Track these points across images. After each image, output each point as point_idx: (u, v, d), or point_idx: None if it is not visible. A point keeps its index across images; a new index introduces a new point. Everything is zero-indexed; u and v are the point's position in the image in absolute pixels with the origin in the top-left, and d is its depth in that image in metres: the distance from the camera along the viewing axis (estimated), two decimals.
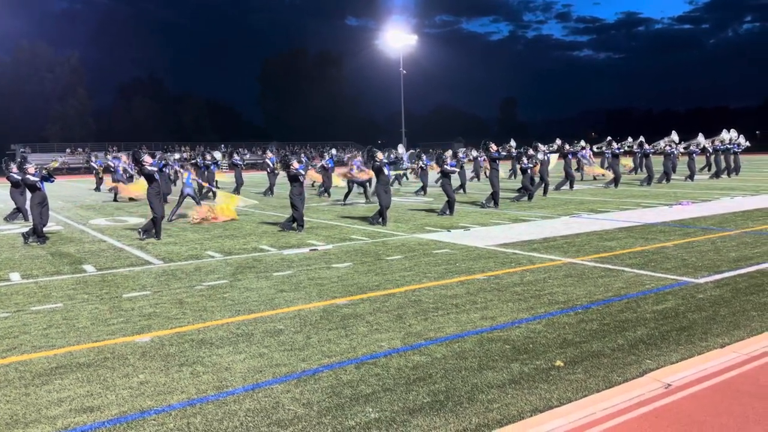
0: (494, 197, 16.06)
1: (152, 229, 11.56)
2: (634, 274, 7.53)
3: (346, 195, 19.28)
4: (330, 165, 21.84)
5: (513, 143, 19.15)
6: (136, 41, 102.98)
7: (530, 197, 17.76)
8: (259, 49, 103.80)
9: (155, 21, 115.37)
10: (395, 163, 14.44)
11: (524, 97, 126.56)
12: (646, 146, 23.35)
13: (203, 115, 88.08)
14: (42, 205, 11.48)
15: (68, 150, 60.66)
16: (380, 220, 13.11)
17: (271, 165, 22.48)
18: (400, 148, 19.86)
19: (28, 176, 11.54)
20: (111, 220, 15.20)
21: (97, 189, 27.28)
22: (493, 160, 16.24)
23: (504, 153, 16.95)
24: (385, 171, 13.12)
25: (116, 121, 79.85)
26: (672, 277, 7.31)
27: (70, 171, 52.62)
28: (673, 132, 24.71)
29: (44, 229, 11.57)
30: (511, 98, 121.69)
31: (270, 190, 22.48)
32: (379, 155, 13.16)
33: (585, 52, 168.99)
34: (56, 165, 13.50)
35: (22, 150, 13.15)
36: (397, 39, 64.62)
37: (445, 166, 14.72)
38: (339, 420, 3.72)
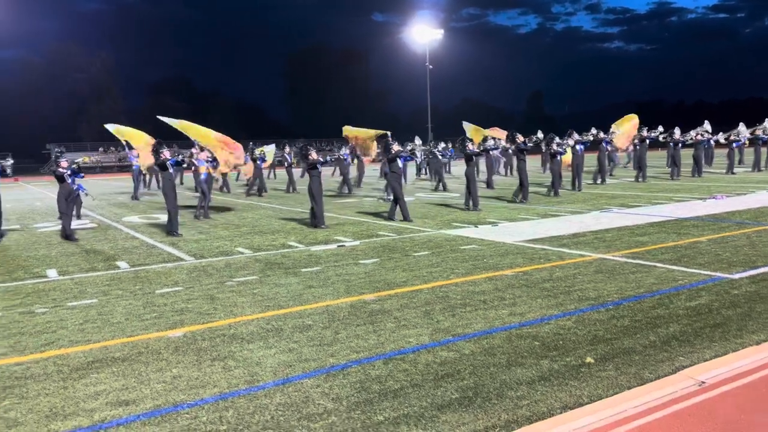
0: (523, 191, 15.87)
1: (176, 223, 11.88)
2: (666, 269, 7.41)
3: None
4: (345, 158, 22.11)
5: (540, 135, 18.87)
6: (164, 41, 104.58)
7: (556, 192, 17.38)
8: (284, 47, 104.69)
9: (182, 21, 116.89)
10: (411, 156, 14.40)
11: (552, 91, 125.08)
12: (677, 136, 22.55)
13: (230, 114, 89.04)
14: (68, 199, 11.93)
15: (101, 149, 61.90)
16: (395, 214, 13.05)
17: (289, 160, 22.62)
18: (417, 141, 19.82)
19: (60, 169, 11.97)
20: (143, 218, 15.49)
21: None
22: (520, 151, 15.97)
23: (531, 144, 16.63)
24: (399, 162, 13.11)
25: (147, 121, 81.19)
26: (706, 272, 7.17)
27: (104, 170, 53.76)
28: (706, 122, 23.99)
29: (78, 225, 11.82)
30: (538, 91, 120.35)
31: (292, 186, 22.69)
32: (395, 146, 13.17)
33: (615, 44, 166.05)
34: (87, 161, 13.86)
35: (57, 150, 13.58)
36: (423, 34, 64.38)
37: (468, 150, 14.63)
38: (368, 415, 3.75)
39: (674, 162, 22.30)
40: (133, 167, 22.31)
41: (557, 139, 17.59)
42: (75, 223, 14.51)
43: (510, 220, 12.60)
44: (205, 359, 4.81)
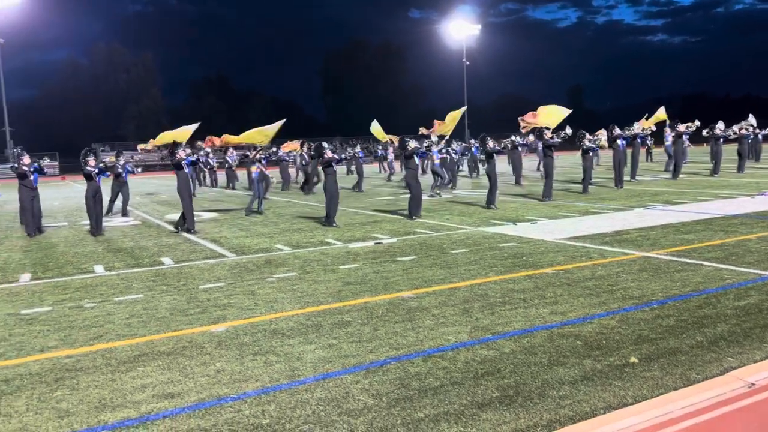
0: (545, 188, 15.50)
1: (183, 222, 12.19)
2: (713, 268, 7.20)
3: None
4: (360, 155, 22.41)
5: (569, 130, 18.47)
6: (204, 41, 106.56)
7: (585, 189, 16.97)
8: (320, 44, 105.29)
9: (221, 20, 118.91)
10: (426, 153, 14.31)
11: (592, 85, 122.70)
12: (719, 131, 21.64)
13: (268, 112, 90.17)
14: (94, 197, 12.41)
15: (139, 148, 63.44)
16: (413, 213, 12.98)
17: (306, 159, 22.83)
18: (434, 138, 19.68)
19: (87, 167, 12.44)
20: None
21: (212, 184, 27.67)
22: (548, 147, 15.60)
23: (558, 140, 16.21)
24: (416, 160, 13.07)
25: (188, 119, 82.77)
26: (755, 271, 6.94)
27: (147, 168, 55.11)
28: (750, 116, 23.08)
29: (122, 223, 12.20)
30: (578, 86, 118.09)
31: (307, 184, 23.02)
32: (412, 144, 13.10)
33: (659, 37, 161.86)
34: (113, 160, 14.36)
35: (86, 149, 14.04)
36: (460, 29, 63.96)
37: (489, 147, 14.45)
38: (408, 411, 3.76)
39: (715, 157, 21.56)
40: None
41: (588, 135, 17.25)
42: (120, 221, 14.94)
43: (550, 217, 12.42)
44: (247, 354, 4.89)
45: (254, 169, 15.50)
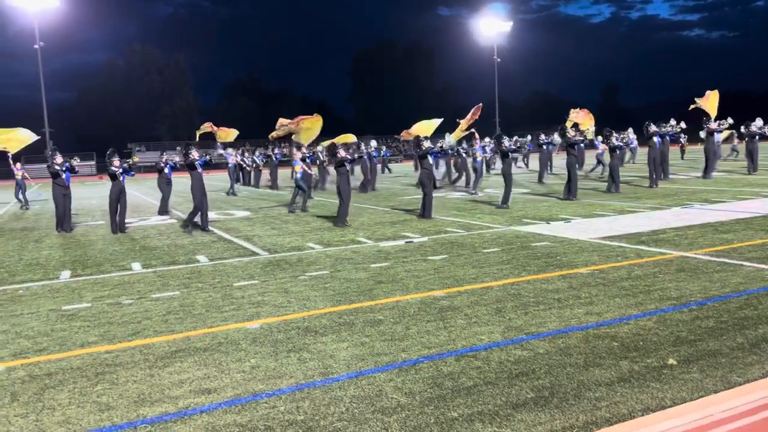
0: (571, 187, 15.23)
1: (192, 221, 12.48)
2: (754, 268, 7.00)
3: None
4: (375, 155, 22.54)
5: (591, 128, 18.13)
6: (235, 42, 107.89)
7: (617, 188, 16.63)
8: (350, 44, 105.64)
9: (252, 22, 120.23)
10: (442, 153, 14.23)
11: (627, 82, 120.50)
12: (756, 128, 20.80)
13: (298, 112, 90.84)
14: (119, 197, 12.79)
15: (178, 148, 64.58)
16: (423, 212, 13.03)
17: (321, 158, 22.95)
18: (447, 137, 19.59)
19: (112, 168, 12.77)
20: (220, 214, 16.06)
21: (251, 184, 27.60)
22: (571, 146, 15.34)
23: (581, 138, 15.96)
24: (430, 159, 13.04)
25: (220, 120, 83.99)
26: None
27: (181, 168, 56.10)
28: None
29: (159, 221, 12.47)
30: (613, 83, 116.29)
31: (321, 183, 23.23)
32: (426, 143, 13.06)
33: (695, 32, 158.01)
34: (136, 160, 14.75)
35: (111, 149, 14.39)
36: (490, 27, 63.48)
37: (504, 147, 14.32)
38: (441, 411, 3.75)
39: (750, 155, 20.89)
40: (229, 165, 23.30)
41: (615, 134, 16.99)
42: (157, 219, 15.24)
43: (584, 216, 12.25)
44: (281, 351, 4.95)
45: (298, 168, 15.66)
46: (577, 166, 15.78)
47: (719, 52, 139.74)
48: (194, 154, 12.66)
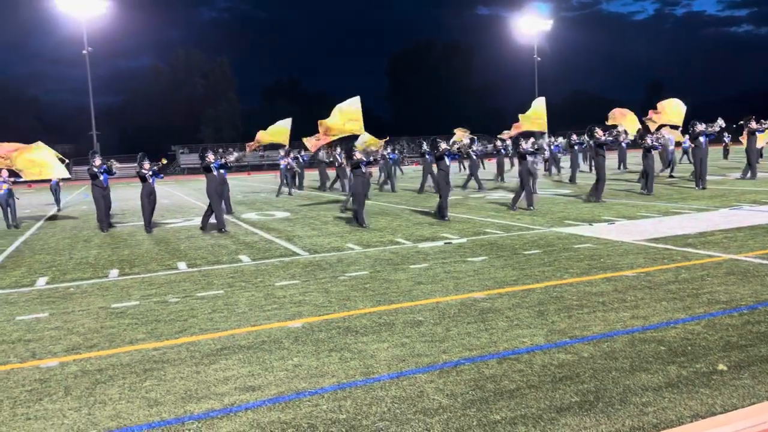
0: (598, 188, 14.91)
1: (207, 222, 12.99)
2: None
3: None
4: (392, 158, 22.70)
5: (621, 128, 17.70)
6: (276, 45, 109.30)
7: (649, 190, 16.24)
8: (388, 45, 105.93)
9: (292, 24, 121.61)
10: (458, 155, 14.20)
11: (672, 80, 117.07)
12: None
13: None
14: (149, 197, 13.44)
15: (220, 150, 65.73)
16: (441, 214, 13.03)
17: (339, 160, 23.03)
18: (466, 139, 19.39)
19: (142, 170, 13.34)
20: (261, 215, 16.31)
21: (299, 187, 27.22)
22: (599, 146, 14.93)
23: (611, 138, 15.51)
24: (446, 161, 13.01)
25: (261, 122, 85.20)
26: None
27: (247, 168, 57.16)
28: None
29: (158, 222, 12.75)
30: (657, 81, 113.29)
31: (326, 185, 23.36)
32: (443, 145, 13.07)
33: (744, 28, 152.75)
34: (164, 162, 15.20)
35: (141, 153, 14.77)
36: (530, 25, 62.71)
37: (521, 149, 14.27)
38: (484, 413, 3.73)
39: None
40: (281, 166, 23.76)
41: (649, 135, 16.64)
42: (199, 220, 15.55)
43: (628, 217, 11.99)
44: (323, 350, 5.00)
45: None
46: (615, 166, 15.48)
47: None
48: (210, 157, 13.13)
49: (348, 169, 22.72)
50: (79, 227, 15.25)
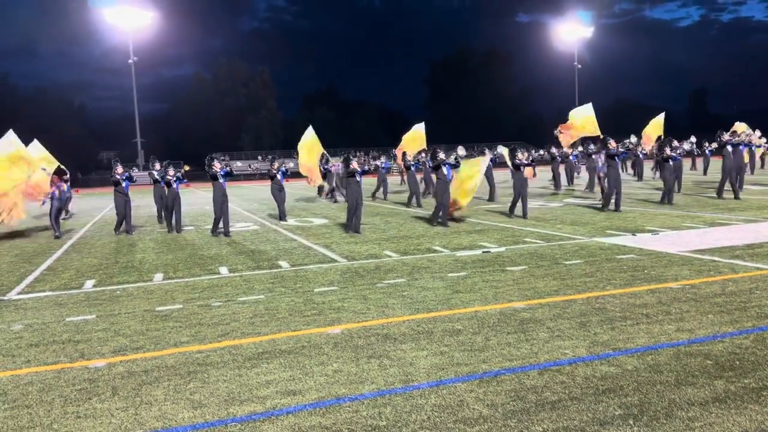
0: (617, 197, 14.97)
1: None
2: None
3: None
4: (385, 166, 23.27)
5: (633, 139, 17.55)
6: (316, 54, 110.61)
7: (669, 199, 16.24)
8: (427, 53, 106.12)
9: (332, 34, 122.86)
10: (457, 165, 14.35)
11: (718, 87, 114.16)
12: None
13: (375, 121, 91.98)
14: (173, 202, 14.81)
15: (259, 157, 66.81)
16: (439, 219, 13.62)
17: (341, 169, 23.08)
18: (461, 150, 19.24)
19: (167, 176, 14.75)
20: (299, 221, 16.50)
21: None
22: (611, 157, 15.10)
23: (622, 150, 15.72)
24: (444, 170, 13.48)
25: (301, 130, 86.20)
26: None
27: (262, 176, 58.09)
28: None
29: (242, 228, 12.95)
30: (702, 88, 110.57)
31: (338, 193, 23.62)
32: (441, 155, 13.69)
33: None
34: (187, 168, 15.73)
35: (167, 161, 15.67)
36: (571, 32, 62.00)
37: (517, 160, 14.71)
38: (525, 424, 3.70)
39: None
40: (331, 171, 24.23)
41: (674, 142, 16.65)
42: (240, 225, 15.85)
43: (672, 228, 11.71)
44: (362, 356, 5.03)
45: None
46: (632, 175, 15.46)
47: None
48: (216, 165, 13.66)
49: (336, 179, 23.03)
50: (136, 232, 15.69)
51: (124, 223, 15.09)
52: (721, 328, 5.35)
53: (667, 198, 16.37)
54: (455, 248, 10.44)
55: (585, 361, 4.71)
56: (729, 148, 16.77)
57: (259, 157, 66.64)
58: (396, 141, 23.27)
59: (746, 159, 21.38)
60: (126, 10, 50.70)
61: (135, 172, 15.89)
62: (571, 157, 25.03)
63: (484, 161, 14.97)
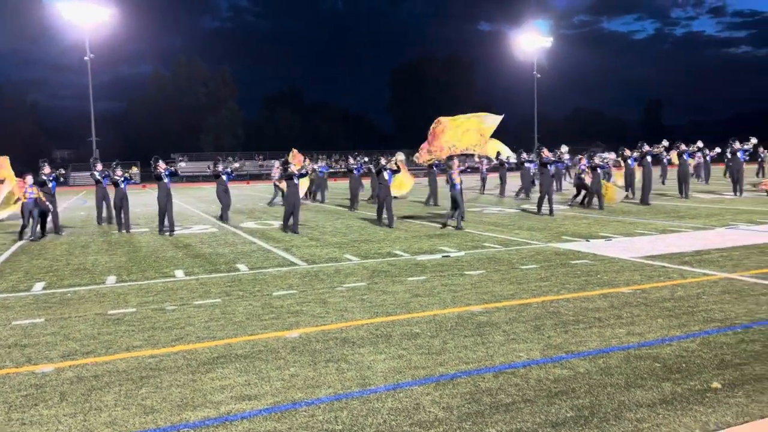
0: (549, 203, 15.98)
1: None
2: None
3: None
4: (322, 171, 24.17)
5: (565, 148, 18.43)
6: (279, 56, 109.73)
7: (594, 204, 17.44)
8: (390, 58, 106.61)
9: (294, 35, 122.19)
10: (397, 171, 15.28)
11: (671, 99, 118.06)
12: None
13: (337, 124, 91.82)
14: (122, 201, 15.08)
15: (218, 158, 65.67)
16: (380, 220, 14.61)
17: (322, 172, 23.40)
18: (399, 155, 19.71)
19: (114, 176, 15.06)
20: (260, 224, 16.33)
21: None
22: (543, 165, 16.38)
23: (554, 159, 16.87)
24: (386, 175, 14.45)
25: (262, 132, 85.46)
26: None
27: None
28: None
29: (200, 230, 12.80)
30: (656, 100, 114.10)
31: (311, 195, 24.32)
32: (383, 160, 14.93)
33: (742, 49, 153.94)
34: (135, 171, 16.04)
35: (116, 160, 15.51)
36: (531, 42, 63.18)
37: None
38: (479, 426, 3.75)
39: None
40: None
41: (602, 154, 18.44)
42: (197, 228, 15.58)
43: (625, 234, 12.04)
44: (320, 360, 5.01)
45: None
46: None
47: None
48: (161, 165, 13.91)
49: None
50: (77, 233, 15.25)
51: (47, 225, 14.67)
52: (670, 331, 5.52)
53: (582, 201, 17.83)
54: (416, 252, 10.50)
55: (539, 363, 4.80)
56: (738, 154, 18.74)
57: (219, 158, 65.56)
58: (358, 144, 23.25)
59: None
60: (83, 6, 49.35)
61: (61, 172, 16.01)
62: (531, 165, 25.60)
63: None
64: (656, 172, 23.48)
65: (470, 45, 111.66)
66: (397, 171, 15.15)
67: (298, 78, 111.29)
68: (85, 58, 51.31)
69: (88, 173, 17.00)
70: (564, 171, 27.33)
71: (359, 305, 6.83)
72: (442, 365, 4.83)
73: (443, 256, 10.00)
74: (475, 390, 4.31)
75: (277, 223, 16.13)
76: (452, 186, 13.72)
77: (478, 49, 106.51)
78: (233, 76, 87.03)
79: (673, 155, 22.36)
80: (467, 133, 14.79)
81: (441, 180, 19.67)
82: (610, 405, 3.99)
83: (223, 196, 16.85)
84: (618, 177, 20.29)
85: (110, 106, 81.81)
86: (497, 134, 17.14)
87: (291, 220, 13.95)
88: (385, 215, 14.59)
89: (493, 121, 14.86)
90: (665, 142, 20.87)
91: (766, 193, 20.31)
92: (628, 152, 20.14)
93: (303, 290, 7.72)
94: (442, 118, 15.54)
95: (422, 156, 15.73)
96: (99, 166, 17.01)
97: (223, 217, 16.96)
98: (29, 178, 14.17)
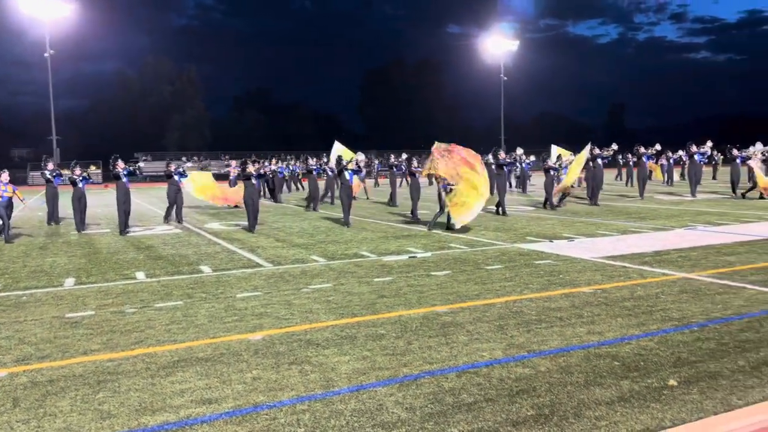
0: (501, 204, 16.47)
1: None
2: (756, 291, 7.00)
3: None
4: (281, 172, 25.34)
5: (520, 151, 19.16)
6: (246, 55, 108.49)
7: (548, 205, 17.90)
8: (360, 60, 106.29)
9: (263, 35, 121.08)
10: (359, 171, 15.64)
11: (634, 103, 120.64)
12: (752, 151, 21.32)
13: (308, 125, 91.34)
14: (80, 201, 14.79)
15: (184, 158, 64.73)
16: (347, 221, 14.65)
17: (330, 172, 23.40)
18: (360, 155, 19.99)
19: (73, 176, 14.76)
20: (225, 224, 16.13)
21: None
22: (500, 167, 17.02)
23: (510, 160, 17.96)
24: (347, 175, 14.76)
25: (229, 131, 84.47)
26: None
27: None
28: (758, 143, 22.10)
29: (163, 231, 12.56)
30: (620, 104, 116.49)
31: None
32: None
33: (702, 54, 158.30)
34: (78, 172, 15.36)
35: (75, 160, 15.11)
36: (498, 45, 63.88)
37: (413, 168, 16.71)
38: (442, 426, 3.76)
39: (731, 179, 21.23)
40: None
41: (550, 159, 19.15)
42: (161, 228, 15.31)
43: (587, 235, 12.26)
44: (283, 363, 4.96)
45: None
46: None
47: (726, 75, 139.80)
48: (119, 165, 13.94)
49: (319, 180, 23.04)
50: (35, 234, 14.83)
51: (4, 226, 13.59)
52: (629, 330, 5.64)
53: (548, 204, 18.06)
54: (382, 253, 10.51)
55: (501, 363, 4.85)
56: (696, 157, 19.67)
57: (184, 158, 64.59)
58: (329, 145, 23.20)
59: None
60: (43, 0, 48.05)
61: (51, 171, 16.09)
62: (525, 166, 26.00)
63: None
64: (611, 173, 24.02)
65: (439, 48, 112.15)
66: (358, 171, 15.29)
67: (266, 78, 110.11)
68: (46, 54, 49.95)
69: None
70: (529, 173, 27.77)
71: (325, 306, 6.80)
72: (406, 366, 4.83)
73: (410, 257, 10.03)
74: (438, 390, 4.33)
75: (244, 224, 15.95)
76: (443, 187, 13.64)
77: (447, 51, 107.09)
78: (200, 75, 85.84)
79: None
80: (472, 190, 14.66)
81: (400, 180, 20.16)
82: (570, 403, 4.05)
83: (174, 197, 16.63)
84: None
85: (72, 104, 79.61)
86: (467, 138, 17.89)
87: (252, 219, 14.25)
88: (344, 216, 14.80)
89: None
90: (614, 146, 21.58)
91: (766, 197, 19.96)
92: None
93: (268, 292, 7.64)
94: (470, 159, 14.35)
95: (432, 168, 14.87)
96: (50, 165, 16.77)
97: (166, 216, 16.90)
98: (5, 176, 13.29)
